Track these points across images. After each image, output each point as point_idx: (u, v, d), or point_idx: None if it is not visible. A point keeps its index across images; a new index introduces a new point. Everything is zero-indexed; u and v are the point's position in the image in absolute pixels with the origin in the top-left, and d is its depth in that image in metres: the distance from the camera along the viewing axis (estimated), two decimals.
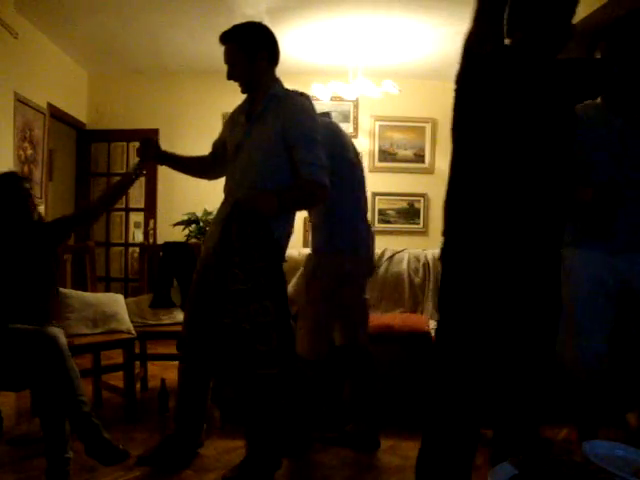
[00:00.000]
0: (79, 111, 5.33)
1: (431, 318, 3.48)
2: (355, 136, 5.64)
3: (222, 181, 2.40)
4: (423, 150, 5.69)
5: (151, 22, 4.22)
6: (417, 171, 5.67)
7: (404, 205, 5.68)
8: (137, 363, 3.25)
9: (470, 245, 1.74)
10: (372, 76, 4.68)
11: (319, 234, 2.58)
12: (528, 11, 1.76)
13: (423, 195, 5.66)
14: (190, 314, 2.37)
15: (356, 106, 5.60)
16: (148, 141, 2.55)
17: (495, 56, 1.71)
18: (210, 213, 4.57)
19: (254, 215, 2.05)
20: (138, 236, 5.70)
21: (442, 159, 5.68)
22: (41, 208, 4.44)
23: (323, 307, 2.51)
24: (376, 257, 4.01)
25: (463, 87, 1.77)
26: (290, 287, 3.36)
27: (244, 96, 2.38)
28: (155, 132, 5.46)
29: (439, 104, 5.64)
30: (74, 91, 5.21)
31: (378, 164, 5.67)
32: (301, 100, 2.24)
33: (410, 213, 5.68)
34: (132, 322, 3.16)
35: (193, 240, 4.57)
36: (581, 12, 3.44)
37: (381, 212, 5.68)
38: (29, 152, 4.28)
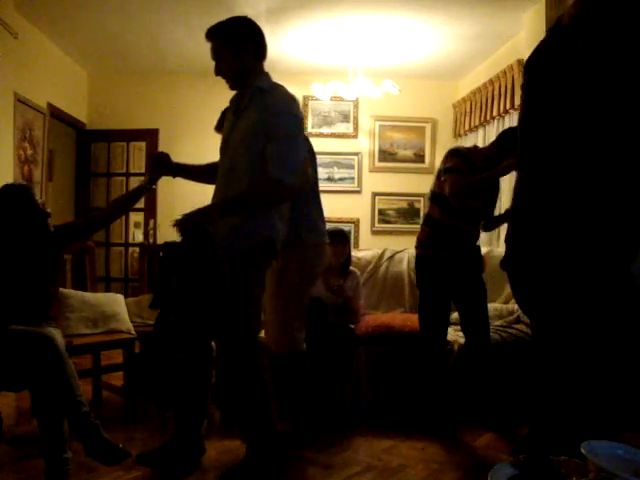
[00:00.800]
0: (79, 111, 5.33)
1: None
2: (355, 136, 5.65)
3: None
4: (423, 150, 5.69)
5: (151, 22, 4.22)
6: (417, 171, 5.67)
7: (404, 205, 5.68)
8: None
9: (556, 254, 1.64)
10: (372, 76, 4.68)
11: (289, 229, 2.59)
12: None
13: (423, 195, 5.65)
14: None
15: (356, 106, 5.60)
16: (159, 156, 2.54)
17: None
18: None
19: (194, 235, 2.06)
20: (138, 236, 5.70)
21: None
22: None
23: (294, 300, 2.58)
24: (376, 257, 4.03)
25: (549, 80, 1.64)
26: None
27: None
28: (155, 132, 5.47)
29: (439, 104, 5.66)
30: (74, 91, 5.21)
31: (378, 164, 5.67)
32: (285, 94, 2.22)
33: (410, 213, 5.68)
34: (132, 322, 3.16)
35: None
36: None
37: (381, 212, 5.68)
38: (29, 152, 4.28)
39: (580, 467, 1.35)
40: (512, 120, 4.32)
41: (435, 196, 2.97)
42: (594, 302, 1.64)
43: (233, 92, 2.39)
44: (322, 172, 5.63)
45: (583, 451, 1.42)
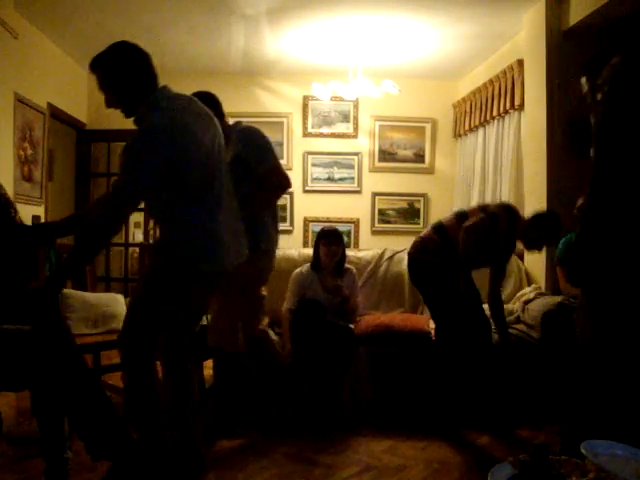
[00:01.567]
0: (79, 111, 5.33)
1: (431, 318, 3.48)
2: (355, 136, 5.65)
3: None
4: (423, 150, 5.69)
5: (151, 22, 4.22)
6: (417, 171, 5.67)
7: (404, 205, 5.68)
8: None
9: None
10: (372, 76, 4.68)
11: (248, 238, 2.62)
12: None
13: (423, 195, 5.66)
14: None
15: (356, 106, 5.59)
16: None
17: None
18: None
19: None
20: (138, 236, 5.70)
21: (442, 159, 5.68)
22: (41, 209, 4.45)
23: (240, 303, 2.69)
24: (376, 257, 4.03)
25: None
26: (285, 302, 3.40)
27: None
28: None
29: (439, 104, 5.66)
30: (74, 91, 5.21)
31: (378, 164, 5.67)
32: (150, 115, 2.19)
33: (410, 213, 5.67)
34: None
35: None
36: (581, 12, 3.45)
37: (381, 212, 5.68)
38: (29, 152, 4.28)
39: (580, 467, 1.35)
40: (512, 120, 4.32)
41: (463, 219, 2.97)
42: None
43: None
44: (322, 172, 5.64)
45: (583, 451, 1.42)
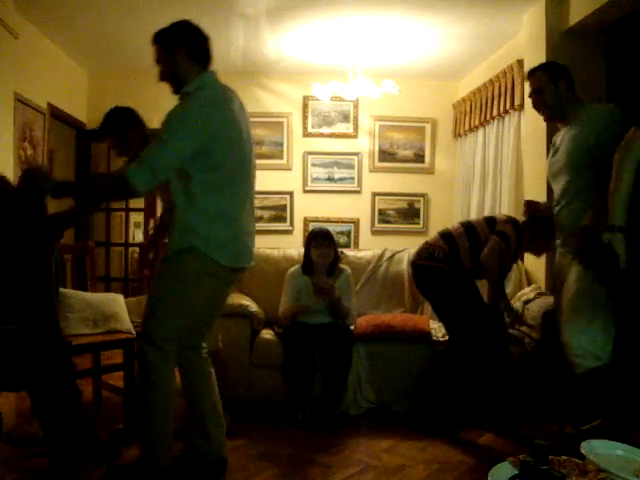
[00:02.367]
0: (79, 111, 5.33)
1: (431, 318, 3.48)
2: (355, 136, 5.65)
3: None
4: (423, 150, 5.69)
5: (151, 22, 4.19)
6: (417, 171, 5.67)
7: (404, 205, 5.68)
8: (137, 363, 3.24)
9: None
10: (372, 76, 4.68)
11: None
12: None
13: (423, 195, 5.66)
14: None
15: (356, 106, 5.59)
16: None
17: None
18: None
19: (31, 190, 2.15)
20: (138, 236, 5.71)
21: (442, 159, 5.68)
22: None
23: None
24: (376, 257, 4.03)
25: None
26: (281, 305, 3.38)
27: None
28: (155, 132, 5.46)
29: (439, 104, 5.66)
30: (74, 91, 5.21)
31: (378, 164, 5.67)
32: (193, 96, 2.15)
33: (410, 213, 5.67)
34: (132, 322, 3.16)
35: None
36: (581, 12, 3.45)
37: (381, 212, 5.68)
38: (29, 152, 4.28)
39: (580, 467, 1.35)
40: (512, 120, 4.32)
41: (472, 233, 3.00)
42: None
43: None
44: (322, 172, 5.64)
45: (583, 451, 1.42)
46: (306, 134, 5.62)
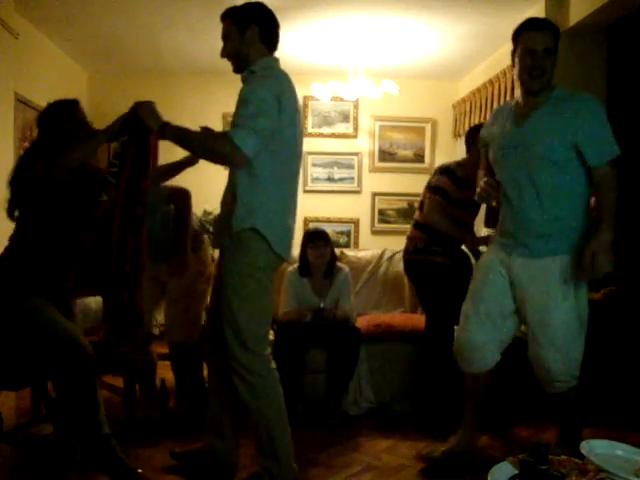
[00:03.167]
0: None
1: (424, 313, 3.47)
2: (355, 136, 5.65)
3: (223, 181, 2.29)
4: (423, 150, 5.70)
5: (151, 22, 4.22)
6: (417, 171, 5.66)
7: (404, 205, 5.68)
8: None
9: None
10: (372, 76, 4.68)
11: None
12: None
13: None
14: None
15: (356, 106, 5.60)
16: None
17: None
18: (210, 213, 4.57)
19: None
20: None
21: (442, 159, 5.66)
22: None
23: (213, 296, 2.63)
24: (376, 257, 4.03)
25: None
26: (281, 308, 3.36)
27: None
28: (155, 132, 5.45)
29: (439, 104, 5.66)
30: (74, 91, 5.20)
31: (378, 164, 5.67)
32: (262, 74, 2.14)
33: (410, 213, 5.64)
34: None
35: None
36: (581, 12, 3.45)
37: (381, 212, 5.68)
38: None
39: (580, 467, 1.35)
40: None
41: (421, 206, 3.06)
42: None
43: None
44: (322, 172, 5.64)
45: (583, 451, 1.42)
46: (306, 134, 5.61)
